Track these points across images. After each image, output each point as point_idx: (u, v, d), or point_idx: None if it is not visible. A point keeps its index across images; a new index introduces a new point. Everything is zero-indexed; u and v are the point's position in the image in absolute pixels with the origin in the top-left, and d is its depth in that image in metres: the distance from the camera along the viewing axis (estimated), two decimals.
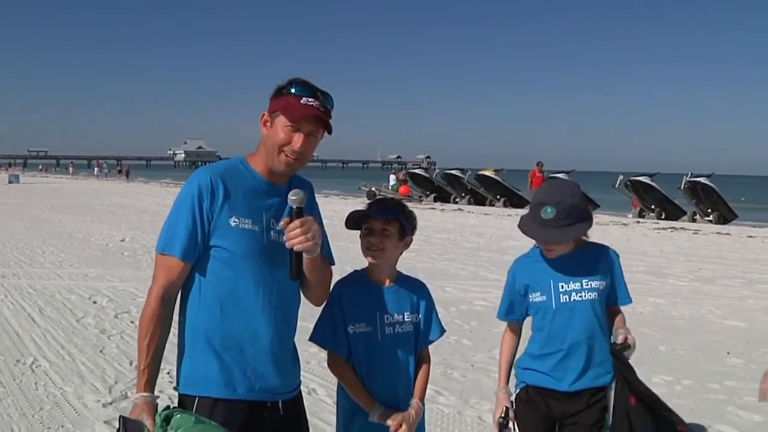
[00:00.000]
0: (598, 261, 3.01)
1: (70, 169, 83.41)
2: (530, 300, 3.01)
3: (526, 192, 28.05)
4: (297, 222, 2.34)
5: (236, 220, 2.39)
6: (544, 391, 2.99)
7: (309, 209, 2.52)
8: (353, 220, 2.77)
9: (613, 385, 2.93)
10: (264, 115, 2.49)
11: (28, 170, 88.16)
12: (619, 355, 2.88)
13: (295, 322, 2.61)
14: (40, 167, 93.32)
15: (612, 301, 3.04)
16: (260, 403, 2.45)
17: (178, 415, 2.24)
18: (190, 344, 2.44)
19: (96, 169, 76.18)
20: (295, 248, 2.35)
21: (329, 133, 2.49)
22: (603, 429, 2.96)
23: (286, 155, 2.42)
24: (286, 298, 2.52)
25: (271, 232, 2.46)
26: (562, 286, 2.94)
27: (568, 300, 2.93)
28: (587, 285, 2.93)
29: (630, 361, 2.95)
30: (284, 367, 2.52)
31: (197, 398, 2.39)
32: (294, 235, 2.33)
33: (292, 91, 2.42)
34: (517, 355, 3.16)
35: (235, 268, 2.40)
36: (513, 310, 3.08)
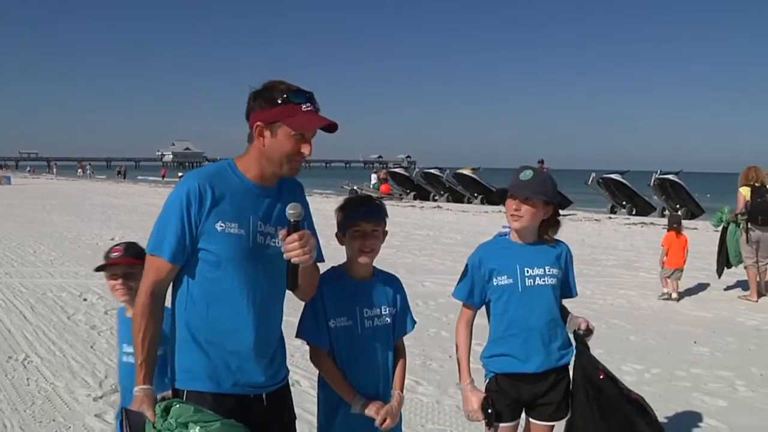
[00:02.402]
0: (557, 253, 3.16)
1: (54, 170, 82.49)
2: (495, 284, 3.08)
3: None
4: (295, 236, 2.35)
5: (222, 224, 2.38)
6: (514, 377, 3.08)
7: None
8: (345, 226, 2.76)
9: (572, 364, 3.12)
10: (259, 124, 2.40)
11: (19, 172, 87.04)
12: (582, 339, 3.06)
13: (279, 320, 2.62)
14: (28, 169, 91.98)
15: (564, 292, 3.18)
16: (244, 396, 2.47)
17: (177, 406, 2.29)
18: (178, 340, 2.46)
19: (79, 170, 73.96)
20: (292, 260, 2.37)
21: (334, 131, 2.46)
22: (568, 407, 3.11)
23: (296, 163, 2.44)
24: (270, 298, 2.53)
25: (258, 235, 2.46)
26: (528, 271, 3.05)
27: (532, 284, 3.04)
28: (549, 271, 3.08)
29: (601, 349, 3.06)
30: (268, 362, 2.53)
31: (185, 391, 2.41)
32: (293, 248, 2.34)
33: (291, 99, 2.38)
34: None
35: (221, 270, 2.41)
36: (473, 293, 3.13)
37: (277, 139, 2.40)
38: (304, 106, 2.39)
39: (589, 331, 3.06)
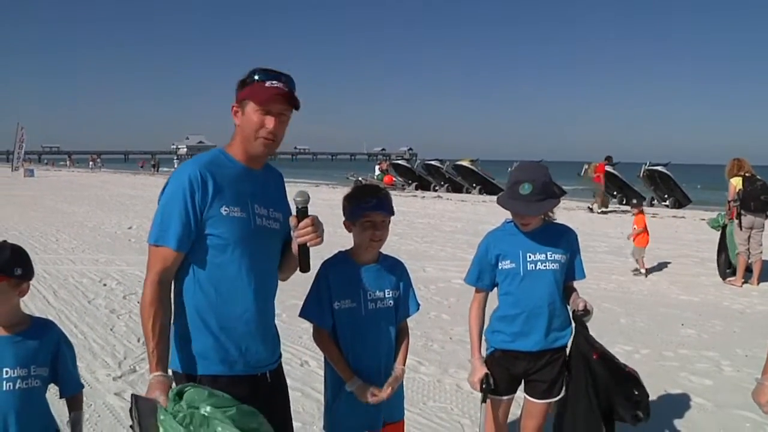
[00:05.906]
0: (561, 238, 3.14)
1: (68, 162, 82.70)
2: (500, 267, 3.11)
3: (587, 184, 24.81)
4: (308, 220, 2.38)
5: (227, 208, 2.37)
6: (511, 353, 3.12)
7: (283, 198, 2.61)
8: (355, 216, 2.75)
9: (570, 344, 3.13)
10: (233, 106, 2.45)
11: (41, 165, 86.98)
12: (580, 320, 3.06)
13: (274, 299, 2.61)
14: (46, 162, 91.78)
15: (569, 275, 3.17)
16: (253, 376, 2.47)
17: (191, 389, 2.15)
18: (189, 326, 2.41)
19: (91, 163, 73.10)
20: (307, 244, 2.40)
21: (297, 109, 2.46)
22: (563, 385, 3.13)
23: (263, 138, 2.40)
24: (269, 279, 2.55)
25: (257, 218, 2.46)
26: (530, 256, 3.06)
27: (534, 268, 3.05)
28: (551, 257, 3.06)
29: (593, 332, 3.08)
30: (269, 341, 2.55)
31: (199, 377, 2.38)
32: (306, 232, 2.38)
33: (256, 78, 2.41)
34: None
35: (228, 253, 2.38)
36: (482, 277, 3.17)
37: (246, 115, 2.41)
38: (268, 83, 2.39)
39: (586, 312, 3.03)
